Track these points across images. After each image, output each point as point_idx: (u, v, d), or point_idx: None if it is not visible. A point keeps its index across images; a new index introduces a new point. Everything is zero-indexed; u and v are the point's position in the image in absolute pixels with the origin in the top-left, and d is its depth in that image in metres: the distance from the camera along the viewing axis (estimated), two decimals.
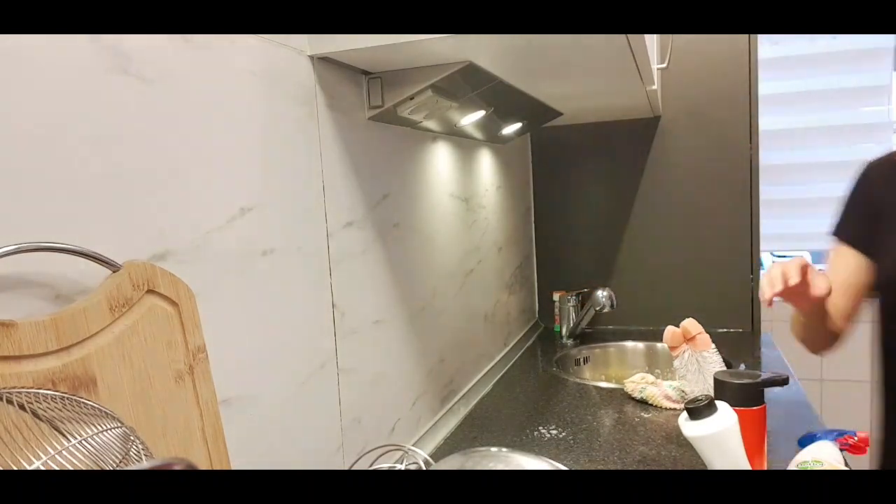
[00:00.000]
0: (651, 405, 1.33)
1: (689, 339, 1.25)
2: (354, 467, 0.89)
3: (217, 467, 0.60)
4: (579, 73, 1.17)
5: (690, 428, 0.83)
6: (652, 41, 1.44)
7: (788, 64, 2.39)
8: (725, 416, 0.82)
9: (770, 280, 0.92)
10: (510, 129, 1.54)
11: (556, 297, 2.05)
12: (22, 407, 0.43)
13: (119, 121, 0.58)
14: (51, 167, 0.51)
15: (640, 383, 1.37)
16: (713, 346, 1.25)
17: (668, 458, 1.10)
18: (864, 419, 2.35)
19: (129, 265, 0.55)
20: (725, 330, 1.91)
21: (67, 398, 0.46)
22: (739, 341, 1.80)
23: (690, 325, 1.24)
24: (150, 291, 0.56)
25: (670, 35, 1.79)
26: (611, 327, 2.01)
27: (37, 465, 0.42)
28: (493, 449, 0.69)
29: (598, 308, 1.82)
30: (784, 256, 2.88)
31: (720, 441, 0.82)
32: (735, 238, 1.90)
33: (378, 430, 1.04)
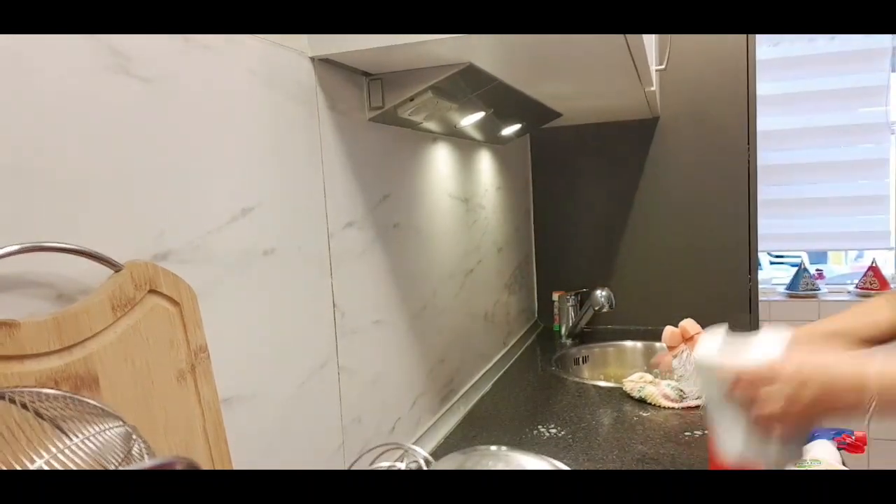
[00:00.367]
0: (650, 404, 1.33)
1: (687, 339, 1.25)
2: (354, 466, 0.89)
3: (218, 466, 0.60)
4: (578, 74, 1.17)
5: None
6: (650, 42, 1.44)
7: (787, 64, 2.39)
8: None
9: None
10: (510, 129, 1.55)
11: (555, 296, 2.05)
12: (24, 406, 0.43)
13: (120, 121, 0.58)
14: (52, 167, 0.51)
15: (638, 382, 1.37)
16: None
17: (666, 456, 1.10)
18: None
19: (130, 265, 0.55)
20: None
21: (70, 397, 0.46)
22: None
23: (689, 324, 1.24)
24: (151, 291, 0.56)
25: (669, 36, 1.79)
26: (610, 327, 2.01)
27: (39, 463, 0.42)
28: (493, 448, 0.69)
29: (597, 308, 1.83)
30: (782, 256, 2.88)
31: None
32: (733, 238, 1.90)
33: (378, 429, 1.04)
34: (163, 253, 0.62)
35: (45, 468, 0.42)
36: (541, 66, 1.07)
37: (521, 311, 1.99)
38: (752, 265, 1.90)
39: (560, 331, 1.99)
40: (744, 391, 0.67)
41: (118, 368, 0.52)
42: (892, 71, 2.31)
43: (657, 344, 1.80)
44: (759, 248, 1.98)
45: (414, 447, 0.73)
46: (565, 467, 0.65)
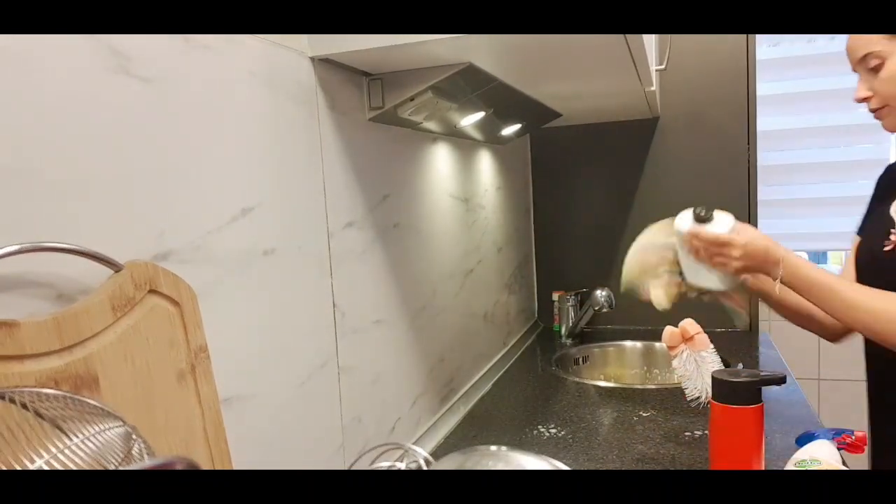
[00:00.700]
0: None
1: (687, 339, 1.25)
2: (354, 466, 0.89)
3: (218, 466, 0.60)
4: (578, 74, 1.17)
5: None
6: (650, 42, 1.44)
7: (787, 65, 2.39)
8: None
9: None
10: (510, 129, 1.55)
11: (555, 296, 2.05)
12: (24, 406, 0.43)
13: (120, 121, 0.58)
14: (52, 167, 0.51)
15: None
16: (711, 345, 1.26)
17: (666, 456, 1.10)
18: (861, 418, 2.35)
19: (130, 265, 0.55)
20: (724, 330, 1.91)
21: (70, 397, 0.46)
22: (737, 341, 1.81)
23: (689, 324, 1.24)
24: (151, 291, 0.56)
25: (669, 36, 1.79)
26: (609, 327, 2.02)
27: (39, 463, 0.42)
28: (493, 447, 0.69)
29: (597, 308, 1.83)
30: None
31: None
32: None
33: (378, 428, 1.04)
34: (163, 253, 0.62)
35: (45, 468, 0.42)
36: (541, 66, 1.07)
37: (521, 311, 1.99)
38: None
39: (560, 331, 1.99)
40: (706, 250, 1.04)
41: (118, 368, 0.52)
42: None
43: (657, 344, 1.80)
44: None
45: (414, 447, 0.73)
46: (565, 467, 0.65)
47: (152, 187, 0.61)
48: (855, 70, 1.03)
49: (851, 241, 1.15)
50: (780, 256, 0.98)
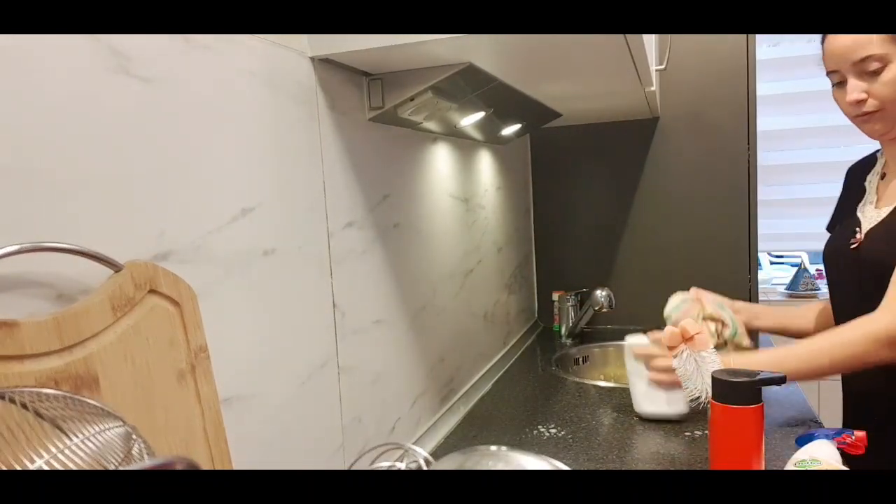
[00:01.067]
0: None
1: (687, 339, 1.25)
2: (354, 466, 0.89)
3: (218, 466, 0.60)
4: (578, 74, 1.17)
5: None
6: (650, 42, 1.44)
7: (786, 65, 2.39)
8: None
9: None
10: (510, 129, 1.55)
11: (555, 296, 2.05)
12: (24, 406, 0.43)
13: (120, 121, 0.58)
14: (52, 167, 0.51)
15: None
16: (712, 345, 1.26)
17: (666, 456, 1.10)
18: None
19: (130, 265, 0.55)
20: None
21: (70, 397, 0.46)
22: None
23: (689, 324, 1.24)
24: (151, 291, 0.56)
25: (669, 36, 1.79)
26: (609, 327, 2.01)
27: (39, 463, 0.42)
28: (493, 447, 0.69)
29: (596, 308, 1.83)
30: (781, 256, 2.88)
31: None
32: (733, 238, 1.90)
33: (378, 428, 1.04)
34: (163, 253, 0.62)
35: (45, 468, 0.42)
36: (541, 66, 1.07)
37: (521, 311, 1.99)
38: (752, 265, 1.90)
39: (560, 331, 1.99)
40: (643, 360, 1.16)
41: (118, 368, 0.52)
42: None
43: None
44: (759, 248, 1.98)
45: (414, 447, 0.73)
46: (565, 467, 0.65)
47: (152, 187, 0.61)
48: (842, 72, 1.03)
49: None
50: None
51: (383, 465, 0.75)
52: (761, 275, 2.45)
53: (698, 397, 1.21)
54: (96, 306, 0.51)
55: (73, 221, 0.53)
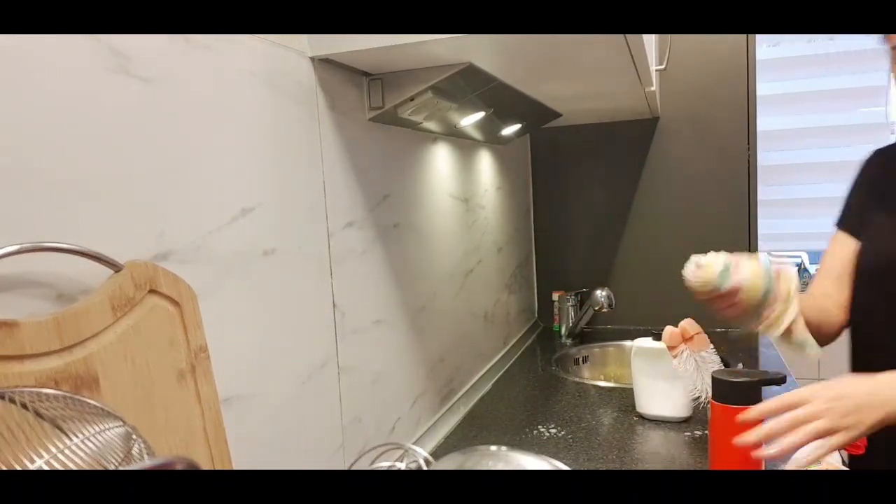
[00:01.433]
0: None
1: (687, 339, 1.25)
2: (354, 466, 0.89)
3: (218, 466, 0.60)
4: (578, 74, 1.17)
5: None
6: (650, 42, 1.44)
7: (786, 65, 2.39)
8: None
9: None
10: (510, 129, 1.55)
11: (555, 296, 2.05)
12: (24, 406, 0.43)
13: (120, 121, 0.58)
14: (52, 167, 0.51)
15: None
16: (711, 346, 1.26)
17: (666, 456, 1.10)
18: None
19: (130, 265, 0.55)
20: (724, 330, 1.91)
21: (70, 397, 0.46)
22: (738, 341, 1.81)
23: (689, 324, 1.24)
24: (151, 291, 0.56)
25: (669, 36, 1.79)
26: (609, 327, 2.01)
27: (39, 463, 0.42)
28: (493, 447, 0.69)
29: (596, 308, 1.83)
30: (781, 256, 2.88)
31: None
32: (733, 238, 1.90)
33: (378, 428, 1.04)
34: (163, 253, 0.62)
35: (45, 468, 0.42)
36: (541, 66, 1.07)
37: (521, 311, 1.99)
38: None
39: (560, 331, 1.99)
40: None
41: (118, 368, 0.52)
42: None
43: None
44: (759, 248, 1.98)
45: (414, 447, 0.73)
46: (565, 467, 0.65)
47: (152, 187, 0.61)
48: None
49: (834, 237, 1.05)
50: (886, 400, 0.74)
51: (383, 465, 0.75)
52: None
53: (698, 397, 1.22)
54: (96, 306, 0.51)
55: (73, 221, 0.53)
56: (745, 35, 1.83)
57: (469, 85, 1.05)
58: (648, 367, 1.26)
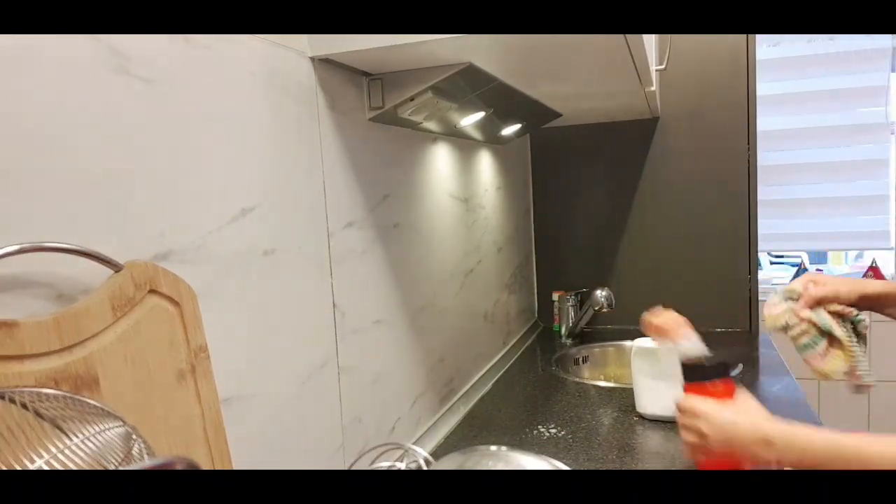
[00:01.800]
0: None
1: (666, 333, 1.25)
2: (354, 466, 0.89)
3: (218, 466, 0.60)
4: (578, 74, 1.17)
5: None
6: (650, 42, 1.44)
7: (786, 65, 2.39)
8: None
9: None
10: (510, 129, 1.55)
11: (555, 296, 2.05)
12: (24, 406, 0.43)
13: (120, 121, 0.58)
14: (52, 167, 0.51)
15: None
16: (695, 336, 1.24)
17: (666, 456, 1.10)
18: (861, 418, 2.36)
19: (130, 265, 0.55)
20: (724, 330, 1.91)
21: (70, 397, 0.46)
22: (737, 341, 1.81)
23: (670, 318, 1.24)
24: (151, 291, 0.56)
25: (669, 36, 1.79)
26: (610, 327, 2.01)
27: (39, 463, 0.42)
28: (493, 447, 0.69)
29: (596, 308, 1.83)
30: (781, 256, 2.88)
31: None
32: (733, 238, 1.90)
33: (378, 428, 1.04)
34: (163, 253, 0.62)
35: (45, 468, 0.42)
36: (541, 66, 1.07)
37: (521, 311, 1.99)
38: (752, 265, 1.90)
39: (560, 331, 1.99)
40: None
41: (118, 368, 0.52)
42: (892, 71, 2.31)
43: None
44: (759, 248, 1.98)
45: (414, 447, 0.73)
46: (565, 467, 0.65)
47: (152, 187, 0.61)
48: None
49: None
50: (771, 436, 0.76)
51: (383, 465, 0.75)
52: (761, 275, 2.45)
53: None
54: (96, 306, 0.51)
55: (73, 221, 0.53)
56: (745, 35, 1.83)
57: (469, 85, 1.05)
58: (648, 367, 1.26)
